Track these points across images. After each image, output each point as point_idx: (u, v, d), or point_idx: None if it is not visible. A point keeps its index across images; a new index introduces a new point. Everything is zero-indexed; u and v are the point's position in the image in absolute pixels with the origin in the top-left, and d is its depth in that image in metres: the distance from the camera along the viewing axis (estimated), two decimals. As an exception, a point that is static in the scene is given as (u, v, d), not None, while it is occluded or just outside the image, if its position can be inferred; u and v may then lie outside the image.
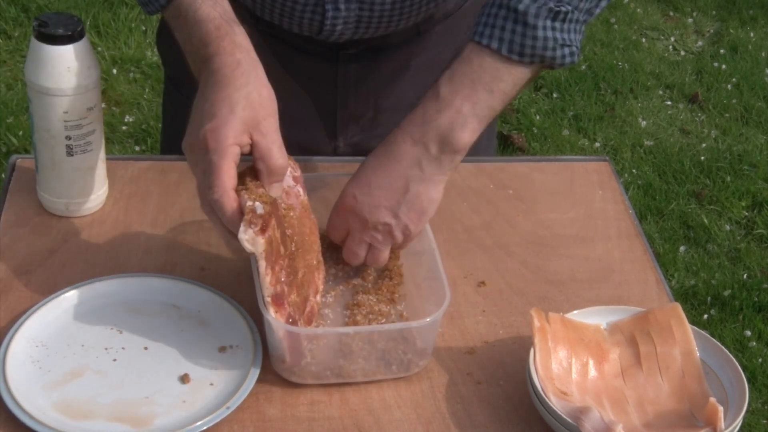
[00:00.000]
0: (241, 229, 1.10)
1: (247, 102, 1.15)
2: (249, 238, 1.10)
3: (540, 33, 1.22)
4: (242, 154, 1.15)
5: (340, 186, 1.30)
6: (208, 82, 1.17)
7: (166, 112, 1.74)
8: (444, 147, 1.24)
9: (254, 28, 1.30)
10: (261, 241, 1.11)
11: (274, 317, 1.15)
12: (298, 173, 1.29)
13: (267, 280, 1.14)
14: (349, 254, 1.30)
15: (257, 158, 1.17)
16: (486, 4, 1.26)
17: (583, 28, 1.26)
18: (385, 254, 1.29)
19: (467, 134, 1.24)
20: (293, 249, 1.19)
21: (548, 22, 1.22)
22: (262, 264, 1.12)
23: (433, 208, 1.27)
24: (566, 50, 1.24)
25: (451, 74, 1.25)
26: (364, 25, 1.41)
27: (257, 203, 1.12)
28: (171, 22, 1.27)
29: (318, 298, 1.26)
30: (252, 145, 1.15)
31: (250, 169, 1.18)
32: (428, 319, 1.19)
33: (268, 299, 1.14)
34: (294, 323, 1.17)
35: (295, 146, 1.24)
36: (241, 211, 1.12)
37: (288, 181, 1.24)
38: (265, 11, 1.43)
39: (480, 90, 1.24)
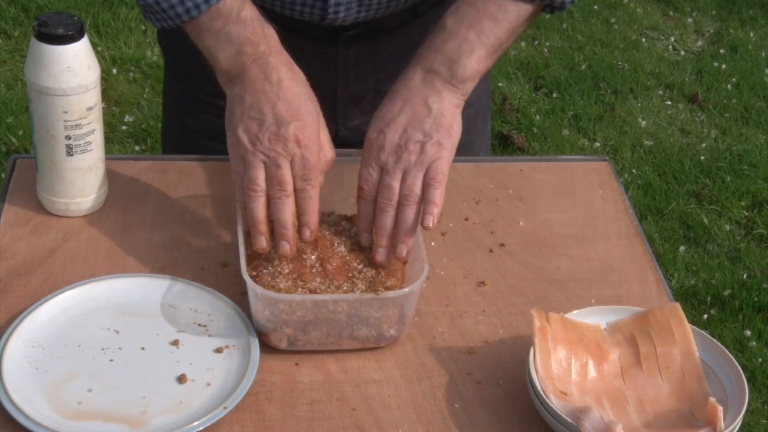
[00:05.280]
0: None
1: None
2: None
3: None
4: None
5: (338, 170, 1.32)
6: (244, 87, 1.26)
7: (166, 100, 1.74)
8: (454, 72, 1.26)
9: None
10: None
11: (246, 271, 1.20)
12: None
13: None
14: (384, 189, 1.26)
15: None
16: None
17: None
18: (419, 184, 1.25)
19: (474, 61, 1.27)
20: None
21: None
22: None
23: (458, 128, 1.28)
24: None
25: (456, 8, 1.28)
26: (365, 8, 1.44)
27: None
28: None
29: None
30: None
31: None
32: (406, 289, 1.21)
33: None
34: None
35: None
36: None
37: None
38: (266, 1, 1.44)
39: (485, 19, 1.27)
